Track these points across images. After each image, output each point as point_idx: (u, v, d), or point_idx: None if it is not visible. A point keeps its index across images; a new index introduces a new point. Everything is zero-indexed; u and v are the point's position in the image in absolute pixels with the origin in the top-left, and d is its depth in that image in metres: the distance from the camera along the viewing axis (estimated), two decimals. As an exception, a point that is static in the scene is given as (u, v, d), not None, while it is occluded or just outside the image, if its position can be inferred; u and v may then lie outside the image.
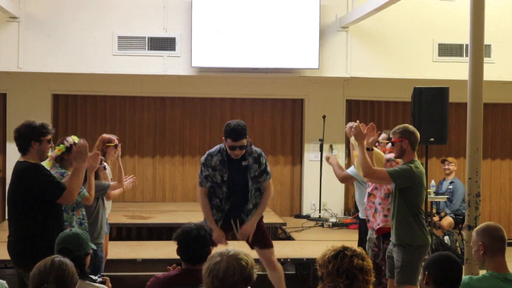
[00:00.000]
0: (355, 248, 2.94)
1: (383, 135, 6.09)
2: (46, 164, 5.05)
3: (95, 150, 6.25)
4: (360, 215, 6.25)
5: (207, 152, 5.43)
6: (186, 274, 3.49)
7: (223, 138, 5.26)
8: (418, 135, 5.03)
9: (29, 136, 4.44)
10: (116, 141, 6.20)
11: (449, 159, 8.98)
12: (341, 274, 2.83)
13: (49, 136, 4.52)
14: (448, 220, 8.65)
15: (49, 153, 5.04)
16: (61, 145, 5.07)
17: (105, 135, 6.25)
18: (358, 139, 4.99)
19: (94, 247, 3.70)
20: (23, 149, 4.47)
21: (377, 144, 6.21)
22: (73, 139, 5.18)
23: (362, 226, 6.43)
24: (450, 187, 8.80)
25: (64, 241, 3.52)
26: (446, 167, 8.92)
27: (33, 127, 4.44)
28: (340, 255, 2.86)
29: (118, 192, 5.97)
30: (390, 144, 5.28)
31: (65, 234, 3.61)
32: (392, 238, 4.96)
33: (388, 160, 5.35)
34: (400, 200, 4.90)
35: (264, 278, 5.50)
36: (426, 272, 3.19)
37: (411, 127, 5.06)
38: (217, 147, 5.41)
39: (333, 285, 2.83)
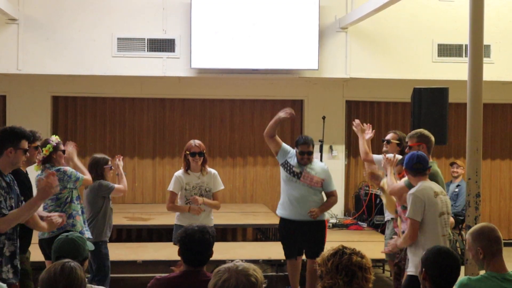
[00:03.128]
0: (354, 247, 2.94)
1: (392, 135, 6.08)
2: (34, 168, 5.07)
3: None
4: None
5: None
6: (187, 276, 3.48)
7: None
8: (433, 139, 5.21)
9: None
10: (195, 149, 5.78)
11: (458, 162, 8.92)
12: (340, 271, 2.83)
13: (37, 143, 4.64)
14: (449, 221, 8.61)
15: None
16: (48, 145, 5.14)
17: (191, 142, 5.87)
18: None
19: (91, 247, 3.60)
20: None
21: (385, 143, 6.19)
22: (56, 138, 5.23)
23: None
24: (456, 190, 8.77)
25: (61, 250, 3.37)
26: (455, 170, 8.86)
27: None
28: (339, 253, 2.87)
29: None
30: (408, 147, 5.31)
31: (62, 241, 3.42)
32: None
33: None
34: None
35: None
36: (424, 269, 3.20)
37: (426, 132, 5.24)
38: None
39: (332, 282, 2.83)
